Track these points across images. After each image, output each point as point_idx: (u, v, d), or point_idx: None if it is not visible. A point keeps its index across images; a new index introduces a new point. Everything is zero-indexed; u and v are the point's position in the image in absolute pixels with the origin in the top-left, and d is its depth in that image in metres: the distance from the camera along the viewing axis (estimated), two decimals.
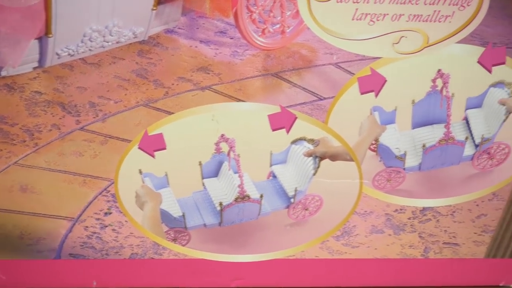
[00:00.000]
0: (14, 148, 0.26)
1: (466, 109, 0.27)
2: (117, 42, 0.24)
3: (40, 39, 0.24)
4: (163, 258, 0.29)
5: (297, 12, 0.24)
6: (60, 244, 0.28)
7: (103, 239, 0.29)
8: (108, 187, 0.27)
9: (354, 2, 0.24)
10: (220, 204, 0.28)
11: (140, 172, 0.27)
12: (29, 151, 0.26)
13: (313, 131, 0.27)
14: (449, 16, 0.25)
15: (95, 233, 0.28)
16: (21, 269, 0.29)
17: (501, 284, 0.31)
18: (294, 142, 0.27)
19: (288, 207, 0.28)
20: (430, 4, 0.24)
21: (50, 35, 0.24)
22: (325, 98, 0.26)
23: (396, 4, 0.24)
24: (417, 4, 0.24)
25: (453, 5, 0.25)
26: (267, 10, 0.25)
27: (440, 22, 0.25)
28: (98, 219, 0.28)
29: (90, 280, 0.30)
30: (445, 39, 0.25)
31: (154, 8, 0.24)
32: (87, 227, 0.28)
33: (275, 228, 0.29)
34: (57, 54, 0.24)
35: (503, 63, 0.26)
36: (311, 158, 0.27)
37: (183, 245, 0.29)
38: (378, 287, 0.30)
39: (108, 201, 0.28)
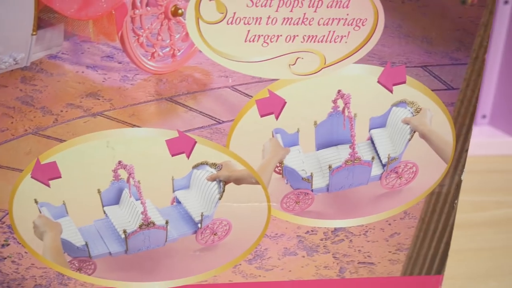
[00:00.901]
0: None
1: (370, 129, 0.26)
2: None
3: None
4: None
5: (187, 34, 0.23)
6: None
7: (3, 271, 0.27)
8: (2, 218, 0.26)
9: (245, 24, 0.23)
10: (124, 231, 0.27)
11: (36, 201, 0.26)
12: None
13: (214, 155, 0.26)
14: (345, 36, 0.24)
15: None
16: None
17: None
18: (195, 166, 0.26)
19: (195, 232, 0.27)
20: (324, 25, 0.24)
21: None
22: (224, 122, 0.25)
23: (290, 25, 0.24)
24: (311, 24, 0.24)
25: (348, 25, 0.24)
26: (155, 33, 0.24)
27: (336, 42, 0.24)
28: None
29: None
30: (343, 60, 0.25)
31: (34, 33, 0.23)
32: None
33: (184, 254, 0.28)
34: None
35: (404, 82, 0.25)
36: (215, 182, 0.26)
37: (89, 275, 0.28)
38: None
39: (5, 232, 0.26)
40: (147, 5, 0.23)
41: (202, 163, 0.26)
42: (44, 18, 0.23)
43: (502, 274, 0.36)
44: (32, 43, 0.23)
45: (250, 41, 0.24)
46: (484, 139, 0.58)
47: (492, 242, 0.41)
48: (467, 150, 0.27)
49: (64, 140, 0.25)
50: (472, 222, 0.43)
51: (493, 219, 0.45)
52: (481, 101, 0.60)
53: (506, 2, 0.57)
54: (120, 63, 0.24)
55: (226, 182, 0.26)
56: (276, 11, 0.23)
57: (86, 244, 0.27)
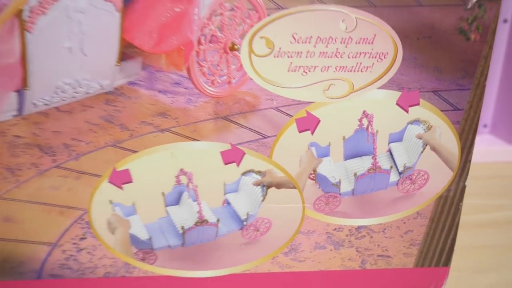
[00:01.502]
0: None
1: (389, 142, 0.31)
2: (86, 93, 0.28)
3: (18, 91, 0.28)
4: (134, 276, 0.33)
5: (241, 65, 0.28)
6: (41, 266, 0.32)
7: (79, 261, 0.32)
8: (82, 215, 0.31)
9: (288, 57, 0.29)
10: (182, 228, 0.32)
11: (111, 202, 0.31)
12: (11, 186, 0.30)
13: (260, 164, 0.31)
14: (370, 66, 0.29)
15: (72, 255, 0.32)
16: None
17: None
18: (244, 173, 0.31)
19: (241, 229, 0.32)
20: (353, 58, 0.29)
21: (27, 88, 0.28)
22: (268, 136, 0.30)
23: (325, 58, 0.29)
24: (342, 57, 0.29)
25: (373, 57, 0.29)
26: (215, 64, 0.29)
27: (362, 72, 0.29)
28: (74, 243, 0.32)
29: None
30: (368, 86, 0.30)
31: (118, 64, 0.28)
32: (64, 250, 0.32)
33: (231, 247, 0.33)
34: (34, 104, 0.28)
35: (418, 104, 0.30)
36: (259, 187, 0.31)
37: (151, 264, 0.33)
38: None
39: (83, 227, 0.31)
40: (209, 42, 0.28)
41: (249, 171, 0.31)
42: (126, 52, 0.28)
43: (501, 268, 0.41)
44: (116, 72, 0.28)
45: (292, 71, 0.29)
46: (485, 147, 0.62)
47: (493, 240, 0.45)
48: (470, 160, 0.32)
49: (137, 151, 0.30)
50: (475, 223, 0.48)
51: (494, 220, 0.50)
52: (482, 112, 0.64)
53: (505, 21, 0.61)
54: (186, 88, 0.29)
55: (268, 187, 0.31)
56: (314, 46, 0.28)
57: (150, 238, 0.32)
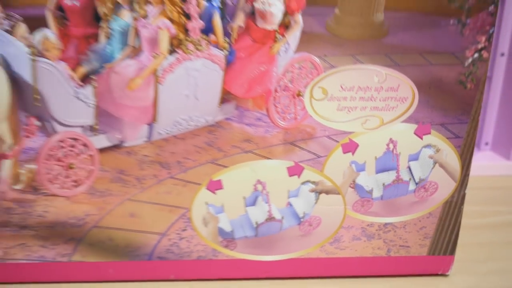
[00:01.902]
0: (128, 189, 0.42)
1: (408, 161, 0.43)
2: (196, 126, 0.40)
3: (149, 124, 0.40)
4: (219, 258, 0.44)
5: (304, 107, 0.40)
6: (152, 250, 0.44)
7: (180, 247, 0.44)
8: (185, 213, 0.43)
9: (337, 101, 0.40)
10: (256, 223, 0.43)
11: (206, 203, 0.43)
12: (137, 191, 0.42)
13: (314, 176, 0.42)
14: (395, 107, 0.41)
15: (175, 243, 0.44)
16: (124, 266, 0.44)
17: (439, 273, 0.47)
18: (303, 183, 0.43)
19: (299, 224, 0.44)
20: (383, 101, 0.41)
21: (155, 122, 0.40)
22: (321, 156, 0.42)
23: (363, 101, 0.40)
24: (375, 101, 0.40)
25: (397, 100, 0.41)
26: (286, 106, 0.41)
27: (389, 111, 0.41)
28: (177, 234, 0.43)
29: (169, 274, 0.45)
30: (393, 121, 0.41)
31: (219, 106, 0.40)
32: (170, 239, 0.43)
33: (291, 238, 0.44)
34: (159, 133, 0.40)
35: (429, 133, 0.42)
36: (313, 193, 0.43)
37: (232, 250, 0.44)
38: (358, 276, 0.46)
39: (185, 222, 0.43)
40: (283, 90, 0.40)
41: (306, 181, 0.42)
42: (225, 97, 0.40)
43: (496, 259, 0.51)
44: (217, 111, 0.40)
45: (339, 110, 0.40)
46: (486, 162, 0.72)
47: (490, 239, 0.55)
48: (468, 174, 0.44)
49: (227, 167, 0.41)
50: (476, 225, 0.58)
51: (491, 223, 0.59)
52: (484, 131, 0.74)
53: (502, 55, 0.71)
54: (265, 122, 0.41)
55: (320, 193, 0.43)
56: (356, 93, 0.40)
57: (232, 231, 0.43)
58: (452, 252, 0.46)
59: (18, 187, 0.41)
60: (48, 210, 0.42)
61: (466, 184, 0.44)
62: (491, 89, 0.73)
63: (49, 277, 0.44)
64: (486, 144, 0.73)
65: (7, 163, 0.40)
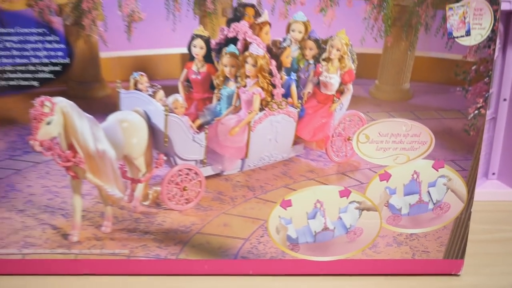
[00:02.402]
0: (223, 206, 0.58)
1: (428, 187, 0.58)
2: (275, 160, 0.56)
3: (242, 159, 0.56)
4: (286, 258, 0.60)
5: (352, 148, 0.56)
6: (237, 251, 0.59)
7: (258, 249, 0.59)
8: (263, 224, 0.58)
9: (376, 143, 0.56)
10: (315, 232, 0.59)
11: (279, 216, 0.58)
12: (230, 207, 0.58)
13: (359, 197, 0.58)
14: (418, 148, 0.56)
15: (254, 246, 0.59)
16: (216, 263, 0.60)
17: (452, 273, 0.61)
18: (350, 202, 0.58)
19: (347, 233, 0.59)
20: (409, 143, 0.56)
21: (246, 158, 0.56)
22: (364, 183, 0.57)
23: (394, 143, 0.56)
24: (403, 143, 0.56)
25: (419, 143, 0.56)
26: (339, 146, 0.57)
27: (414, 150, 0.56)
28: (257, 239, 0.59)
29: (249, 270, 0.60)
30: (417, 158, 0.57)
31: (292, 146, 0.56)
32: (251, 243, 0.59)
33: (340, 244, 0.59)
34: (248, 165, 0.56)
35: (443, 167, 0.57)
36: (358, 210, 0.58)
37: (296, 252, 0.60)
38: (389, 274, 0.61)
39: (263, 230, 0.59)
40: (337, 136, 0.56)
41: (353, 201, 0.58)
42: (296, 140, 0.56)
43: (501, 264, 0.65)
44: (291, 150, 0.56)
45: (377, 150, 0.56)
46: (493, 190, 0.85)
47: (495, 250, 0.69)
48: (473, 198, 0.58)
49: (296, 190, 0.57)
50: (484, 240, 0.69)
51: (497, 239, 0.70)
52: (491, 163, 0.88)
53: (504, 100, 0.85)
54: (324, 158, 0.56)
55: (362, 210, 0.58)
56: (389, 138, 0.56)
57: (297, 237, 0.59)
58: (462, 256, 0.60)
59: (146, 203, 0.58)
60: (165, 220, 0.58)
61: (471, 205, 0.59)
62: (496, 129, 0.86)
63: (161, 271, 0.60)
64: (493, 174, 0.88)
65: (140, 186, 0.57)
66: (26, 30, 0.52)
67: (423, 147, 0.56)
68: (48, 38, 0.52)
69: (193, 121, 0.55)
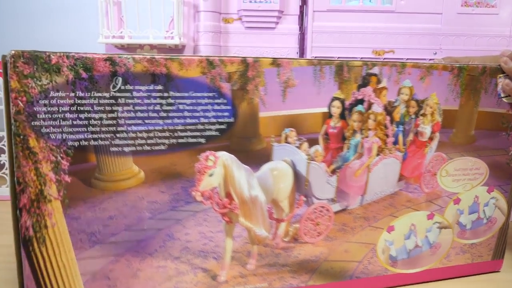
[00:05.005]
0: (346, 235, 0.69)
1: (483, 207, 0.77)
2: (385, 194, 0.70)
3: (362, 195, 0.68)
4: (388, 274, 0.73)
5: (436, 180, 0.72)
6: (352, 272, 0.71)
7: (368, 269, 0.72)
8: (373, 247, 0.71)
9: (451, 176, 0.73)
10: (409, 249, 0.73)
11: (385, 240, 0.71)
12: (350, 236, 0.69)
13: (439, 219, 0.74)
14: (478, 178, 0.75)
15: (365, 266, 0.71)
16: (336, 285, 0.70)
17: (495, 270, 0.80)
18: (433, 223, 0.74)
19: (430, 248, 0.75)
20: (473, 175, 0.75)
21: (365, 194, 0.69)
22: (443, 207, 0.74)
23: (463, 175, 0.74)
24: (469, 175, 0.74)
25: (479, 175, 0.75)
26: (428, 181, 0.73)
27: (476, 180, 0.75)
28: (367, 260, 0.71)
29: (361, 287, 0.72)
30: (477, 185, 0.75)
31: (397, 182, 0.70)
32: (364, 264, 0.71)
33: (425, 257, 0.75)
34: (366, 200, 0.69)
35: (493, 191, 0.77)
36: (439, 228, 0.74)
37: (395, 268, 0.73)
38: (457, 276, 0.78)
39: (373, 252, 0.71)
40: (427, 172, 0.72)
41: (436, 222, 0.74)
42: (400, 177, 0.70)
43: None
44: (396, 186, 0.70)
45: (453, 181, 0.73)
46: None
47: None
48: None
49: (397, 217, 0.71)
50: None
51: None
52: None
53: None
54: (417, 190, 0.72)
55: (441, 228, 0.74)
56: (460, 172, 0.73)
57: (396, 256, 0.72)
58: (502, 256, 0.80)
59: (286, 239, 0.66)
60: (300, 253, 0.67)
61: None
62: None
63: None
64: None
65: (283, 225, 0.66)
66: (198, 94, 0.59)
67: (481, 177, 0.75)
68: (217, 101, 0.59)
69: (328, 167, 0.66)
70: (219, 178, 0.61)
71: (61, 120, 0.55)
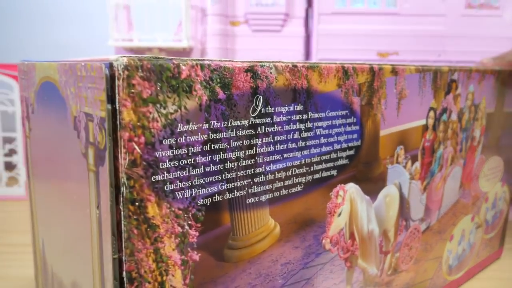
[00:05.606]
0: (427, 253, 0.64)
1: (498, 201, 0.82)
2: (451, 204, 0.67)
3: (438, 209, 0.64)
4: (446, 283, 0.71)
5: (478, 183, 0.73)
6: None
7: (436, 284, 0.68)
8: (441, 260, 0.67)
9: (486, 176, 0.75)
10: (459, 255, 0.72)
11: (447, 250, 0.69)
12: (427, 253, 0.64)
13: (477, 219, 0.75)
14: (498, 176, 0.79)
15: (434, 282, 0.67)
16: None
17: (498, 257, 0.87)
18: (473, 224, 0.75)
19: (470, 249, 0.75)
20: (496, 172, 0.78)
21: (441, 207, 0.64)
22: (478, 207, 0.75)
23: (492, 174, 0.77)
24: (495, 173, 0.77)
25: (499, 172, 0.79)
26: (474, 184, 0.73)
27: (497, 177, 0.79)
28: (435, 274, 0.67)
29: None
30: (497, 182, 0.79)
31: (458, 190, 0.68)
32: (433, 282, 0.67)
33: (468, 258, 0.75)
34: (440, 213, 0.65)
35: (505, 184, 0.82)
36: (476, 229, 0.76)
37: (450, 276, 0.72)
38: (482, 269, 0.81)
39: (439, 265, 0.68)
40: (474, 175, 0.72)
41: (475, 223, 0.75)
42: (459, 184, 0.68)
43: None
44: (457, 194, 0.67)
45: (486, 181, 0.75)
46: None
47: None
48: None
49: (455, 225, 0.69)
50: None
51: None
52: None
53: None
54: (467, 195, 0.71)
55: (478, 228, 0.76)
56: (491, 171, 0.76)
57: (452, 263, 0.71)
58: (502, 244, 0.87)
59: (389, 272, 0.58)
60: (398, 284, 0.59)
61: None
62: None
63: None
64: None
65: (389, 257, 0.57)
66: (333, 114, 0.45)
67: (500, 174, 0.79)
68: (349, 120, 0.47)
69: (422, 184, 0.60)
70: (345, 216, 0.49)
71: (191, 168, 0.34)
